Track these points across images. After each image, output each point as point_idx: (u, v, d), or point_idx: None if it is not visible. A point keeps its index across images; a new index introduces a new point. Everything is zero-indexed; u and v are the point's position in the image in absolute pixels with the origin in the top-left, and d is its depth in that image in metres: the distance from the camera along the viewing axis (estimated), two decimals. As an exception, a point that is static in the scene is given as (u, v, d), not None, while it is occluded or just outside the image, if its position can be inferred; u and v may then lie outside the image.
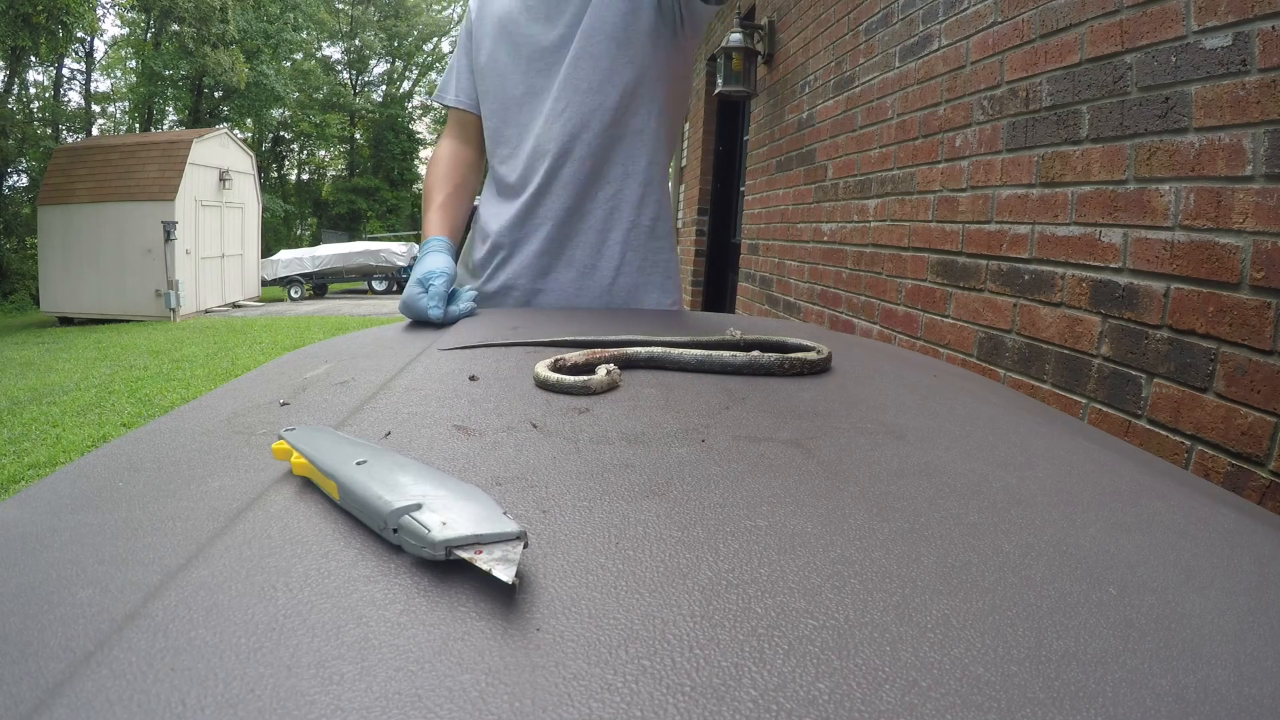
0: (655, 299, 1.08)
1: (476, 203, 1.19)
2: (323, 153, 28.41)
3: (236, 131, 17.98)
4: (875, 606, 0.23)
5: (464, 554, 0.24)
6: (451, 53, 1.22)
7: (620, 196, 1.04)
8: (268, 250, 17.15)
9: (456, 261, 1.03)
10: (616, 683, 0.19)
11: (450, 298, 0.87)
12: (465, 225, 1.14)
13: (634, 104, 1.02)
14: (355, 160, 28.77)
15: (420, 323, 0.83)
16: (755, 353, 0.57)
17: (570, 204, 1.03)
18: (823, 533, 0.29)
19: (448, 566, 0.25)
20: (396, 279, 16.32)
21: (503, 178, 1.09)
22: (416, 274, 0.86)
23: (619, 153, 1.03)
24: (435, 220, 1.06)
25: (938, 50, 1.90)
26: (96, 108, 21.08)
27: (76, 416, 4.83)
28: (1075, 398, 1.33)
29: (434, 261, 0.89)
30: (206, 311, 12.06)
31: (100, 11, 18.11)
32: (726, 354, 0.57)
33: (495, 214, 1.09)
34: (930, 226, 1.91)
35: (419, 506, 0.26)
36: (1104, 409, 1.25)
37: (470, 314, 0.87)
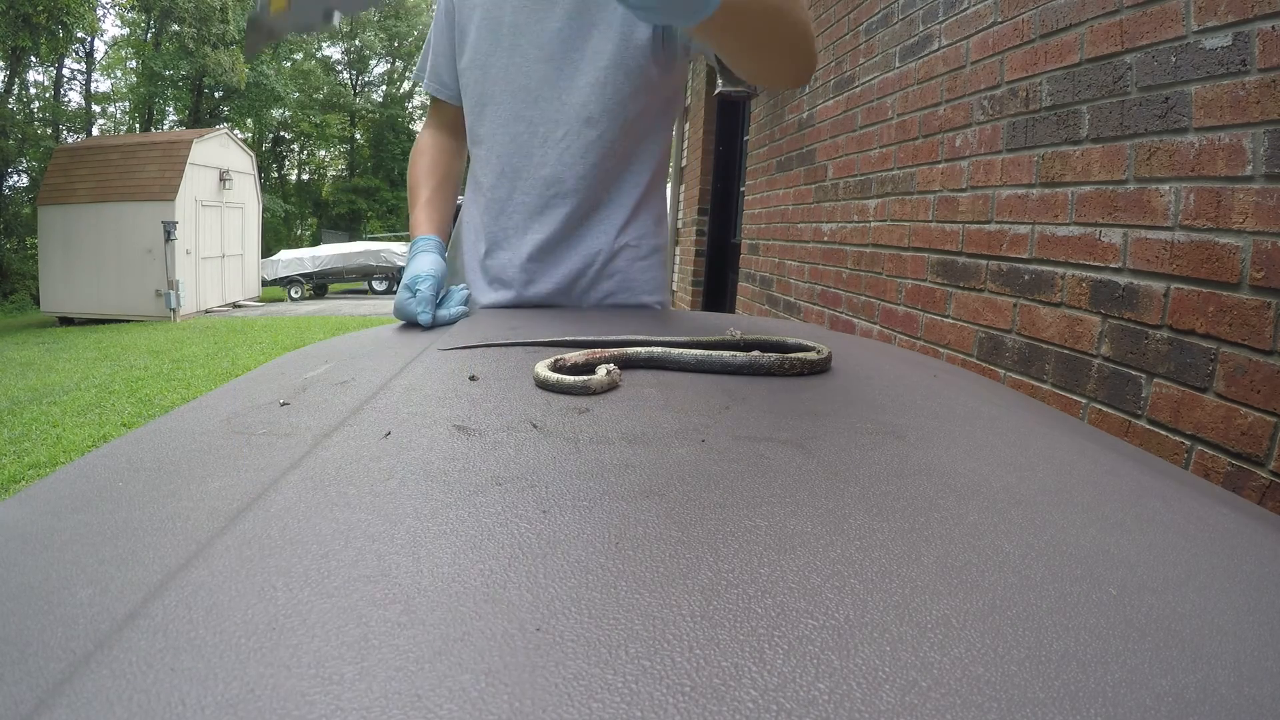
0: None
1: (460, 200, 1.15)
2: (323, 153, 28.43)
3: (236, 131, 17.98)
4: (875, 606, 0.23)
5: None
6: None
7: (610, 220, 1.02)
8: (268, 250, 17.16)
9: (446, 258, 1.01)
10: (616, 683, 0.19)
11: (442, 299, 0.86)
12: (453, 217, 1.10)
13: (637, 130, 0.99)
14: (355, 160, 28.78)
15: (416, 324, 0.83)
16: (755, 353, 0.57)
17: (563, 227, 1.01)
18: (823, 533, 0.29)
19: (450, 564, 0.25)
20: (396, 279, 16.31)
21: (487, 186, 1.04)
22: (406, 278, 0.86)
23: (624, 179, 1.01)
24: (423, 218, 1.02)
25: (938, 50, 1.90)
26: (97, 108, 21.10)
27: (77, 416, 4.83)
28: (1075, 398, 1.33)
29: (422, 264, 0.88)
30: (207, 311, 12.06)
31: (100, 11, 18.12)
32: (726, 354, 0.57)
33: (480, 219, 1.06)
34: (930, 226, 1.91)
35: None
36: (1104, 409, 1.25)
37: (463, 315, 0.86)
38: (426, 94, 1.14)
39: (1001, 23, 1.61)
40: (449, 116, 1.12)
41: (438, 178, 1.08)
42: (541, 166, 0.99)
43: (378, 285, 16.39)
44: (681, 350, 0.58)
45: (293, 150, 27.77)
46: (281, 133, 26.24)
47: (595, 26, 0.94)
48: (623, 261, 1.04)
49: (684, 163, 5.38)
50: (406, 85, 29.37)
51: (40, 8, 13.59)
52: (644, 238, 1.05)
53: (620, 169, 1.01)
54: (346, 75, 28.64)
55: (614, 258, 1.03)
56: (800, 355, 0.57)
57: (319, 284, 16.05)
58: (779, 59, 0.69)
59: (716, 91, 3.63)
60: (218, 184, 12.31)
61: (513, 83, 0.98)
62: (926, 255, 1.92)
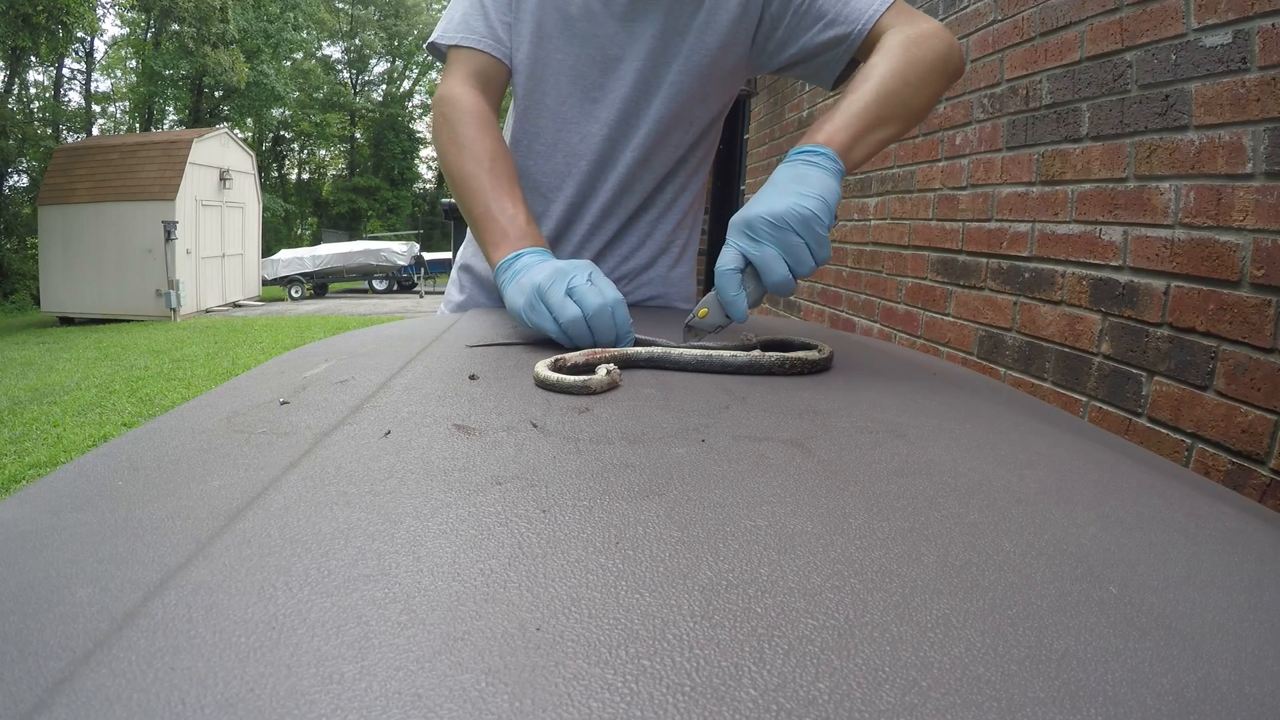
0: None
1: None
2: (323, 152, 28.45)
3: (236, 131, 18.00)
4: (875, 606, 0.23)
5: None
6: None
7: (660, 223, 1.02)
8: (268, 250, 17.17)
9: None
10: (616, 683, 0.19)
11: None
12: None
13: (702, 141, 0.99)
14: (355, 160, 28.81)
15: (422, 322, 0.83)
16: (756, 352, 0.57)
17: (615, 231, 0.99)
18: (823, 533, 0.29)
19: (450, 564, 0.25)
20: (396, 279, 16.33)
21: (543, 185, 0.96)
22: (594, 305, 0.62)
23: (671, 185, 1.00)
24: (529, 229, 0.76)
25: (938, 49, 1.90)
26: (97, 108, 21.12)
27: (77, 416, 4.83)
28: (1075, 396, 1.33)
29: (608, 291, 0.64)
30: (207, 311, 12.07)
31: (100, 11, 18.13)
32: (727, 354, 0.57)
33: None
34: (930, 225, 1.91)
35: None
36: (1104, 407, 1.25)
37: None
38: (450, 49, 0.90)
39: (1001, 21, 1.61)
40: (497, 84, 0.91)
41: (508, 162, 0.84)
42: (598, 163, 0.95)
43: (378, 285, 16.40)
44: (682, 350, 0.58)
45: (293, 150, 27.79)
46: (281, 132, 26.25)
47: (663, 27, 0.89)
48: (662, 268, 1.04)
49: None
50: (406, 85, 29.37)
51: (40, 8, 13.59)
52: (688, 246, 1.06)
53: (678, 175, 1.00)
54: (346, 75, 28.65)
55: (653, 264, 1.03)
56: (801, 355, 0.57)
57: (319, 283, 16.06)
58: (926, 106, 0.77)
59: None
60: (218, 183, 12.31)
61: (577, 70, 0.91)
62: (926, 253, 1.92)
